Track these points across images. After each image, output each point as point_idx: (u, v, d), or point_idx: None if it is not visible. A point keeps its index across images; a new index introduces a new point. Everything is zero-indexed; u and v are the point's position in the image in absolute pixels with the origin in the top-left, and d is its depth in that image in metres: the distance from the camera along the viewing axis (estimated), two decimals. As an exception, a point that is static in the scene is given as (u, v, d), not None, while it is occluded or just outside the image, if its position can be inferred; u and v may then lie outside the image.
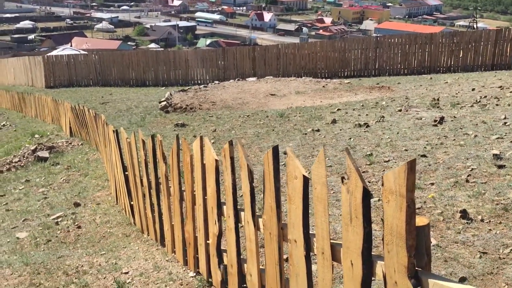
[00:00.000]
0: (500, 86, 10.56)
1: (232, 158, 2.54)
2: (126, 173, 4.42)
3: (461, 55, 18.49)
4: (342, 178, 1.79)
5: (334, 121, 8.70)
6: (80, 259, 3.74)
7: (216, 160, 2.74)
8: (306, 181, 2.01)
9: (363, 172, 4.89)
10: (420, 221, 1.59)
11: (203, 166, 2.87)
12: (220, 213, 2.80)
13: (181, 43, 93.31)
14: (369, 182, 4.52)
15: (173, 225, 3.46)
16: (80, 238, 4.41)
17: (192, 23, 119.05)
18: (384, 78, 17.32)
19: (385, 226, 1.60)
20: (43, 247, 4.29)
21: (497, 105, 8.12)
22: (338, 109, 10.31)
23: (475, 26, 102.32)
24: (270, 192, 2.24)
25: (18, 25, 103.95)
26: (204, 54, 22.12)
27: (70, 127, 11.26)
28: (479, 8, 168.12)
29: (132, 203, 4.46)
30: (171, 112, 12.86)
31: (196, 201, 3.05)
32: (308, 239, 2.03)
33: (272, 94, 14.59)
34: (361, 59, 19.96)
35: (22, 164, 8.83)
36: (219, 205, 2.79)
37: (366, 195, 1.67)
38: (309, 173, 2.08)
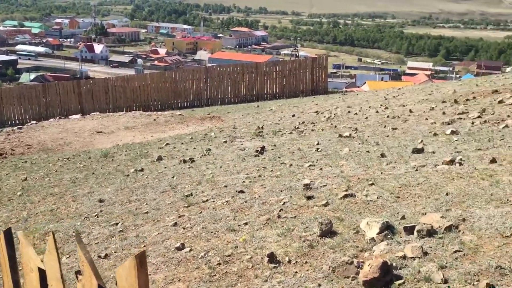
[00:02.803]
0: (316, 111, 11.31)
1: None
2: None
3: (284, 83, 19.62)
4: (77, 273, 1.37)
5: (160, 158, 8.28)
6: None
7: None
8: (43, 274, 1.54)
9: (180, 216, 4.54)
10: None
11: None
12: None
13: (1, 78, 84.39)
14: (183, 228, 4.17)
15: None
16: None
17: (13, 57, 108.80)
18: (215, 108, 17.51)
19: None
20: None
21: (312, 130, 8.56)
22: (167, 144, 9.94)
23: (297, 54, 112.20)
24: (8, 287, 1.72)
25: None
26: (21, 91, 19.93)
27: None
28: (299, 38, 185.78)
29: None
30: (-24, 161, 11.09)
31: None
32: None
33: (98, 132, 13.65)
34: (192, 90, 19.92)
35: None
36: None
37: (103, 294, 1.27)
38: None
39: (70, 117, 16.73)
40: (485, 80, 11.07)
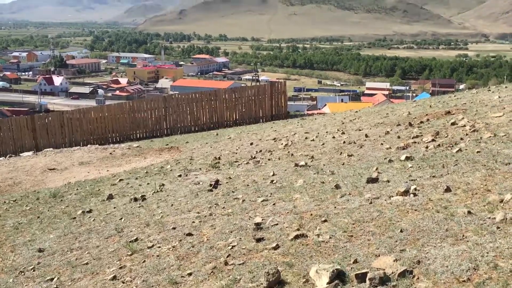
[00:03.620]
0: (274, 138, 11.14)
1: None
2: None
3: (243, 109, 19.43)
4: None
5: (110, 197, 7.87)
6: None
7: None
8: None
9: (121, 268, 4.16)
10: None
11: None
12: None
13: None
14: (123, 282, 3.79)
15: None
16: None
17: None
18: (175, 138, 17.13)
19: None
20: None
21: (269, 159, 8.34)
22: (120, 180, 9.51)
23: (258, 79, 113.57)
24: None
25: None
26: (-30, 129, 19.04)
27: None
28: (259, 63, 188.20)
29: None
30: None
31: None
32: None
33: (51, 169, 13.05)
34: (151, 119, 19.44)
35: None
36: None
37: None
38: None
39: (21, 154, 16.00)
40: (438, 100, 11.19)
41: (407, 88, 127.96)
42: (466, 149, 5.59)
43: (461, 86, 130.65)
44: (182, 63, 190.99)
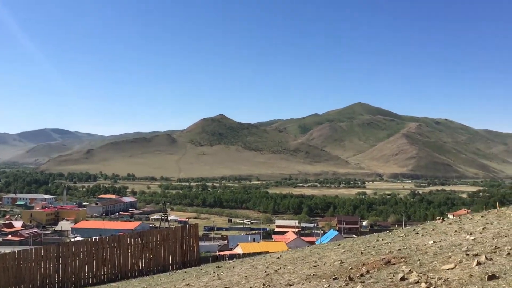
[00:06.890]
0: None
1: None
2: None
3: (151, 256, 17.32)
4: None
5: None
6: None
7: None
8: None
9: None
10: None
11: None
12: None
13: None
14: None
15: None
16: None
17: None
18: (66, 295, 14.40)
19: None
20: None
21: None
22: None
23: (167, 218, 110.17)
24: None
25: None
26: None
27: None
28: (168, 202, 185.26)
29: None
30: None
31: None
32: None
33: None
34: (40, 272, 16.57)
35: None
36: None
37: None
38: None
39: None
40: (367, 245, 10.32)
41: (315, 225, 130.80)
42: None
43: (364, 223, 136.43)
44: (86, 203, 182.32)
